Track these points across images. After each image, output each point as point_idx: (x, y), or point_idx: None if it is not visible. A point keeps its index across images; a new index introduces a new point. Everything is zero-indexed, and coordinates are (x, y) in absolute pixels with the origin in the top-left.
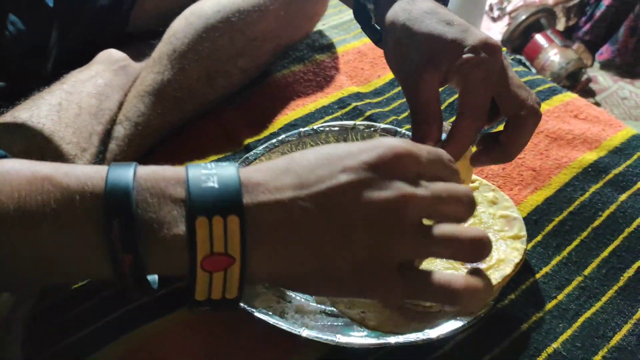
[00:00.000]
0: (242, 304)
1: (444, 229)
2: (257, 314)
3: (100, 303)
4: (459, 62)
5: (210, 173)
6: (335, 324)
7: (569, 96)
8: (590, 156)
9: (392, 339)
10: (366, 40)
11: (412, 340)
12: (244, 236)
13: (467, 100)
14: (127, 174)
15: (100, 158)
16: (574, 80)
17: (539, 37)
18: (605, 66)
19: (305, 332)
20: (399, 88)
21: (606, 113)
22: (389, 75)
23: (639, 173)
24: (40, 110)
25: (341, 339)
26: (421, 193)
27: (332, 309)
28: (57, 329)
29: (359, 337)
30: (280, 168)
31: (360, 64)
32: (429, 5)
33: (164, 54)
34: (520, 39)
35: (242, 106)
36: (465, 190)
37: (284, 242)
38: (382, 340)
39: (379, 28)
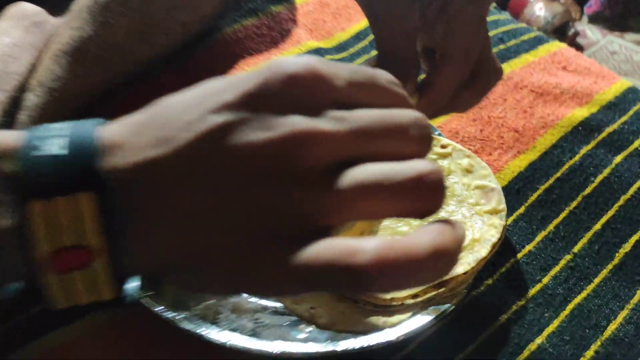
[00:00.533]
0: (158, 307)
1: (364, 172)
2: (179, 324)
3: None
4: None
5: (60, 134)
6: (280, 323)
7: (557, 46)
8: (581, 112)
9: (342, 345)
10: None
11: (367, 345)
12: (105, 218)
13: (454, 43)
14: None
15: None
16: (561, 35)
17: None
18: (594, 19)
19: (231, 342)
20: (365, 42)
21: (598, 65)
22: (354, 28)
23: (636, 130)
24: None
25: (275, 347)
26: (328, 128)
27: (276, 304)
28: None
29: (300, 344)
30: (145, 118)
31: (321, 15)
32: None
33: (84, 6)
34: None
35: (184, 66)
36: (412, 116)
37: (153, 221)
38: (328, 348)
39: None
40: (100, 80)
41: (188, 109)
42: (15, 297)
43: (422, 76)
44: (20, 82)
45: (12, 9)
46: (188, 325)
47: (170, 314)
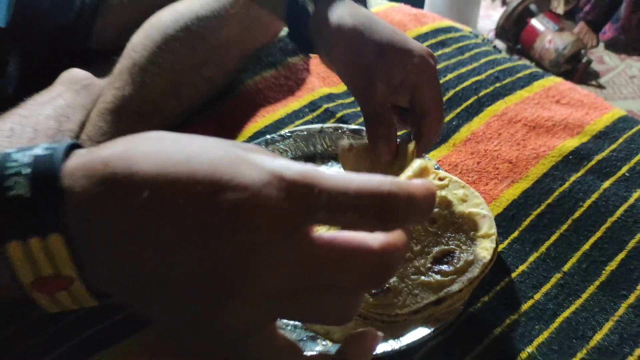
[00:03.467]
0: None
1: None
2: None
3: (63, 328)
4: (412, 66)
5: (20, 171)
6: (300, 337)
7: (552, 81)
8: (572, 143)
9: None
10: None
11: (374, 353)
12: (76, 254)
13: (426, 99)
14: None
15: None
16: (577, 62)
17: (534, 22)
18: (610, 45)
19: None
20: None
21: (593, 96)
22: None
23: (625, 157)
24: None
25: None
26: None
27: (296, 322)
28: (22, 356)
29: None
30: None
31: None
32: (366, 11)
33: (125, 68)
34: (516, 25)
35: (212, 117)
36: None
37: (108, 258)
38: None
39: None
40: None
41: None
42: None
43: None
44: (73, 139)
45: (65, 75)
46: None
47: None
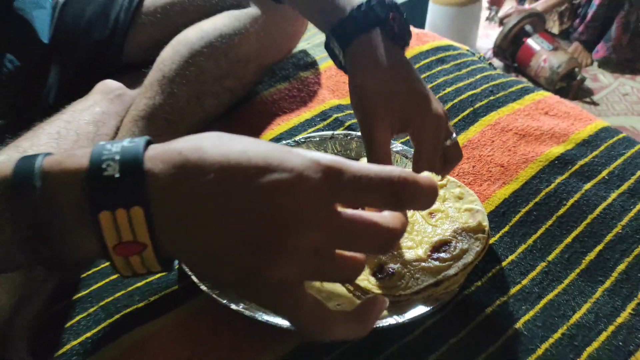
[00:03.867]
0: (224, 300)
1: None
2: (234, 307)
3: (101, 309)
4: (426, 122)
5: (113, 157)
6: None
7: (541, 94)
8: (558, 149)
9: None
10: None
11: (379, 325)
12: (151, 224)
13: (423, 146)
14: (31, 166)
15: None
16: (571, 80)
17: (530, 42)
18: (604, 64)
19: (278, 323)
20: None
21: (578, 108)
22: None
23: (605, 162)
24: (40, 139)
25: None
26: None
27: None
28: (60, 335)
29: None
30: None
31: (341, 78)
32: (397, 57)
33: (155, 80)
34: (512, 45)
35: (231, 124)
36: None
37: (177, 228)
38: None
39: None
40: (168, 139)
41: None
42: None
43: None
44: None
45: (100, 86)
46: (247, 313)
47: (233, 305)
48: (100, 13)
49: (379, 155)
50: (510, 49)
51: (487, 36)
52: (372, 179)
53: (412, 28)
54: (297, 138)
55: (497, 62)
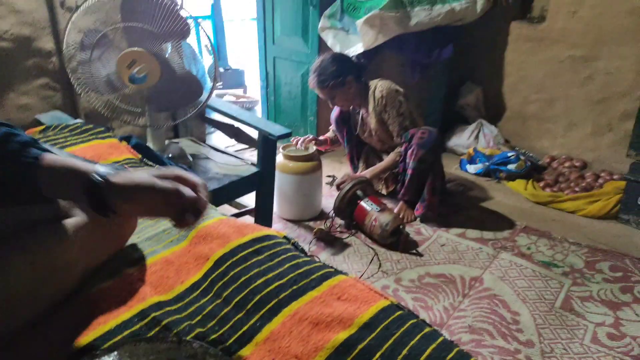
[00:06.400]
0: None
1: None
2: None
3: None
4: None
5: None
6: None
7: (338, 279)
8: (343, 335)
9: None
10: (174, 248)
11: None
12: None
13: None
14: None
15: None
16: (399, 235)
17: (363, 204)
18: (424, 219)
19: None
20: (197, 292)
21: (367, 289)
22: (191, 280)
23: (379, 344)
24: None
25: None
26: None
27: None
28: None
29: None
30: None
31: (166, 272)
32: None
33: None
34: (349, 206)
35: (46, 332)
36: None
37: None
38: None
39: None
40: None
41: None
42: None
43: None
44: None
45: None
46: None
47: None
48: None
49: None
50: (348, 209)
51: (332, 196)
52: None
53: (235, 221)
54: (107, 345)
55: (339, 220)
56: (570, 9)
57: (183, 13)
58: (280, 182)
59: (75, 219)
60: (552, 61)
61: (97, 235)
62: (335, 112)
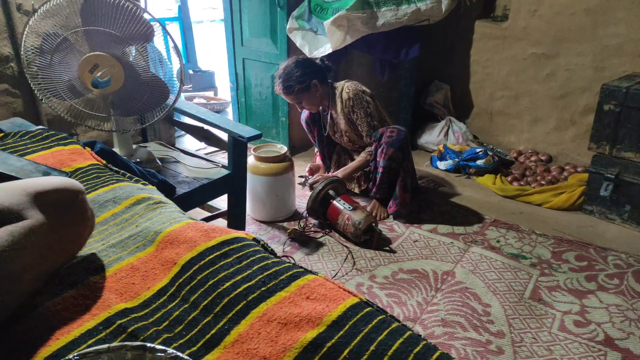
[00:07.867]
0: None
1: None
2: None
3: None
4: None
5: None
6: None
7: (307, 279)
8: (311, 334)
9: None
10: (140, 254)
11: None
12: None
13: None
14: None
15: None
16: (372, 232)
17: (335, 203)
18: (397, 216)
19: None
20: (164, 297)
21: (336, 288)
22: (158, 285)
23: (347, 342)
24: None
25: None
26: None
27: None
28: None
29: None
30: None
31: (132, 279)
32: None
33: None
34: (322, 206)
35: (2, 347)
36: None
37: None
38: None
39: None
40: None
41: None
42: None
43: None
44: None
45: None
46: None
47: None
48: None
49: None
50: (321, 209)
51: (305, 197)
52: None
53: (203, 225)
54: (70, 356)
55: (312, 220)
56: (531, 8)
57: (146, 16)
58: (253, 184)
59: (28, 222)
60: (515, 59)
61: (52, 238)
62: (304, 113)
